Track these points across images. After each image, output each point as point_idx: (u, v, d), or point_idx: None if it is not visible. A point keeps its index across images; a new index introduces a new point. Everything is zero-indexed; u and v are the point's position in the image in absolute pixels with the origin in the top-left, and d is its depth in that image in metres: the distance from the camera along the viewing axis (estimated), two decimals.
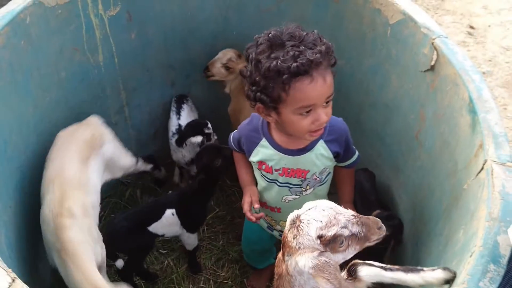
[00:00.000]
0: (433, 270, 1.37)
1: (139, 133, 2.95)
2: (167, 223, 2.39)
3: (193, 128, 2.66)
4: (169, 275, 2.69)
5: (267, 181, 1.93)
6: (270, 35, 1.58)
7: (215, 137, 2.72)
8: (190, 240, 2.55)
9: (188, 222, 2.46)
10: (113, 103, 2.64)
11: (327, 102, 1.63)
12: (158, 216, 2.37)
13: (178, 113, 2.81)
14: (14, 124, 1.98)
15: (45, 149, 2.26)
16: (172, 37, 2.63)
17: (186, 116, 2.81)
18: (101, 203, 2.92)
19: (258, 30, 1.58)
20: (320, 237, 1.25)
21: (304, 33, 1.57)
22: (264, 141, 1.86)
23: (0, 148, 1.85)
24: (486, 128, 1.60)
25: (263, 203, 2.05)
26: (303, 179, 1.88)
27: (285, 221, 2.04)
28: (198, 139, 2.63)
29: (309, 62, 1.50)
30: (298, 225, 1.29)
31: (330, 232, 1.25)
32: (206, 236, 2.85)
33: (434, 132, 1.97)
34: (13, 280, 1.19)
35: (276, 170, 1.87)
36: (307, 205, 1.36)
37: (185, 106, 2.85)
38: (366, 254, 1.69)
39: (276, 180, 1.91)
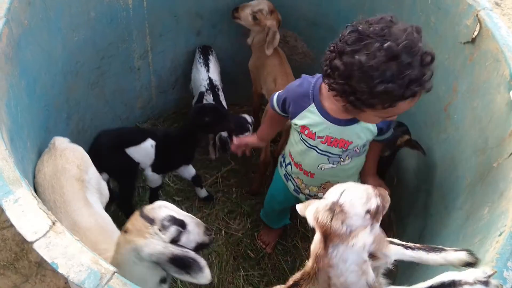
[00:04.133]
0: (456, 251, 1.36)
1: (161, 80, 2.92)
2: (144, 152, 2.38)
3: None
4: None
5: (307, 146, 1.92)
6: (376, 30, 1.47)
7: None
8: (154, 178, 2.53)
9: (159, 160, 2.43)
10: (138, 48, 2.59)
11: None
12: (138, 141, 2.36)
13: (207, 65, 2.75)
14: (43, 62, 1.95)
15: (69, 90, 2.24)
16: None
17: (213, 68, 2.77)
18: None
19: None
20: (368, 211, 1.24)
21: (382, 58, 1.44)
22: (312, 107, 1.82)
23: (30, 85, 1.82)
24: None
25: (297, 165, 2.05)
26: (344, 149, 1.87)
27: (315, 186, 2.07)
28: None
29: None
30: (341, 210, 1.24)
31: (373, 205, 1.25)
32: (220, 188, 2.89)
33: (465, 106, 1.94)
34: (54, 223, 1.20)
35: (319, 137, 1.86)
36: (335, 190, 1.30)
37: (211, 58, 2.81)
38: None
39: (316, 147, 1.90)
